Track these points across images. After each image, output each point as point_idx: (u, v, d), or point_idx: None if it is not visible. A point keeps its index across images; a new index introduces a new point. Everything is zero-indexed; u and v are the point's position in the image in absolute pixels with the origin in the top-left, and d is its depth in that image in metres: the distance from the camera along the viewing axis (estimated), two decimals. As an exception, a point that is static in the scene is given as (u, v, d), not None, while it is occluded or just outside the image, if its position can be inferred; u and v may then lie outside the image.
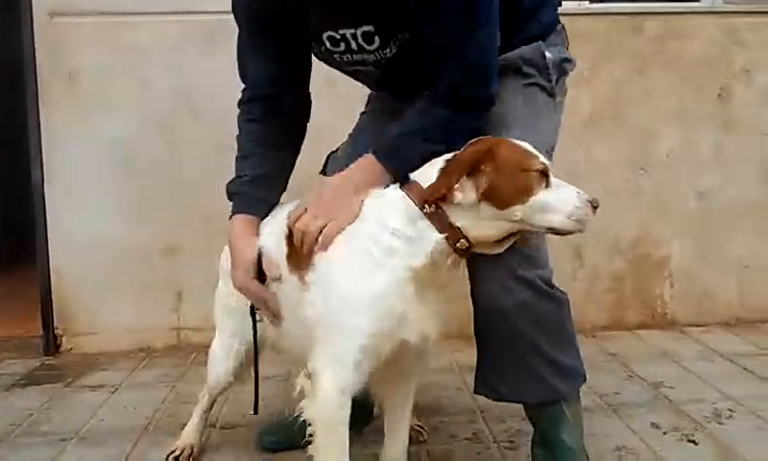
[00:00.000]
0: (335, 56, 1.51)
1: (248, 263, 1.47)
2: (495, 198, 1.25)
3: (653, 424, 1.98)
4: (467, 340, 2.76)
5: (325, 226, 1.32)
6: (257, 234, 1.51)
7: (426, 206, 1.27)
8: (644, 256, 3.01)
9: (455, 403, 2.18)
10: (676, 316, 3.02)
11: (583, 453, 1.55)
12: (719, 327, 2.96)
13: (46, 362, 2.79)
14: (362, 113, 1.85)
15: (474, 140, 1.31)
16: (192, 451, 1.80)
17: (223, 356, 1.71)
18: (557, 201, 1.25)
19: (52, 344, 2.87)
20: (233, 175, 1.60)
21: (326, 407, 1.26)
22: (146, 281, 2.89)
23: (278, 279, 1.44)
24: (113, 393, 2.40)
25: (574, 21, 2.72)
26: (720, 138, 2.98)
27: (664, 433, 1.92)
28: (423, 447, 1.87)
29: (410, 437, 1.79)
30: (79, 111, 2.82)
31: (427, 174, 1.30)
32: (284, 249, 1.43)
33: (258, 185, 1.56)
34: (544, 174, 1.26)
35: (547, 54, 1.53)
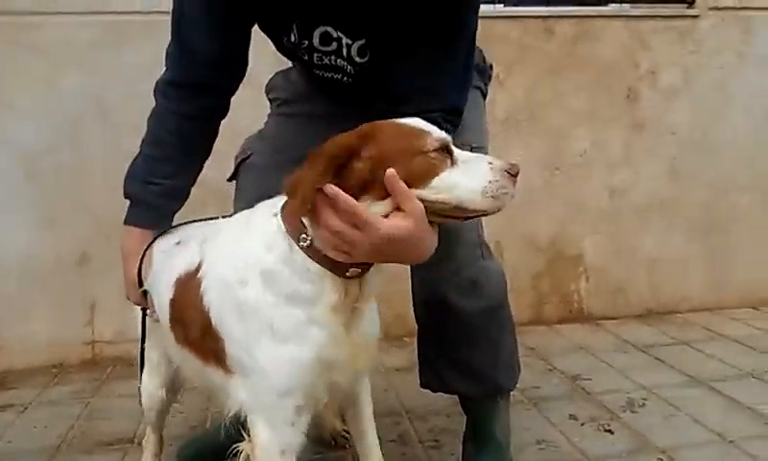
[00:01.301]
0: (316, 54, 1.40)
1: (136, 283, 1.41)
2: (378, 191, 1.05)
3: (571, 415, 2.04)
4: (392, 341, 2.80)
5: None
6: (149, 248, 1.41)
7: (302, 238, 1.08)
8: (561, 253, 3.10)
9: (381, 405, 2.16)
10: (592, 310, 3.13)
11: (509, 449, 1.59)
12: (632, 319, 3.09)
13: (-52, 383, 2.62)
14: (279, 114, 1.73)
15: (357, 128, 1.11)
16: None
17: (148, 372, 1.56)
18: (467, 177, 1.07)
19: (-47, 363, 2.70)
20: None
21: None
22: (57, 293, 2.75)
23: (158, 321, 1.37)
24: (22, 412, 2.27)
25: (489, 24, 2.79)
26: (630, 138, 3.11)
27: (582, 424, 1.98)
28: (349, 451, 1.86)
29: (335, 443, 1.80)
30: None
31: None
32: (170, 294, 1.29)
33: (171, 198, 1.44)
34: (446, 150, 1.08)
35: (486, 57, 1.60)
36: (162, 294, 1.31)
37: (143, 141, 1.47)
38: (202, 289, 1.17)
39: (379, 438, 1.89)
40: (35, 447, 1.98)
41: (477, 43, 1.40)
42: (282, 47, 1.46)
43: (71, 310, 2.76)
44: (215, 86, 1.44)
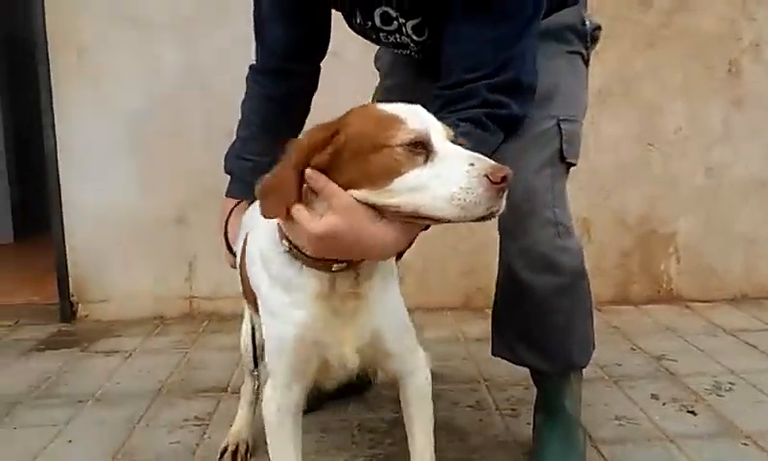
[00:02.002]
0: (381, 33, 1.45)
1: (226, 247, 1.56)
2: (342, 180, 1.00)
3: (653, 395, 2.01)
4: (472, 312, 2.84)
5: None
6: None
7: (284, 241, 1.09)
8: (651, 232, 3.02)
9: (459, 372, 2.23)
10: (681, 292, 3.04)
11: (579, 422, 1.60)
12: (724, 302, 2.98)
13: (62, 328, 2.87)
14: (381, 88, 1.81)
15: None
16: (247, 447, 1.69)
17: (245, 322, 1.66)
18: (436, 180, 0.95)
19: (68, 311, 2.95)
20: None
21: (268, 422, 1.23)
22: (158, 251, 2.95)
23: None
24: (128, 358, 2.47)
25: (584, -5, 2.72)
26: (729, 114, 2.97)
27: (664, 404, 1.95)
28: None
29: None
30: (89, 84, 2.87)
31: None
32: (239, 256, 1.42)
33: (261, 173, 1.53)
34: (420, 144, 0.97)
35: (586, 20, 1.53)
36: (238, 253, 1.45)
37: (238, 123, 1.63)
38: (247, 257, 1.29)
39: (456, 403, 1.97)
40: (139, 389, 2.16)
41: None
42: (354, 28, 1.52)
43: (171, 267, 2.96)
44: (293, 71, 1.58)
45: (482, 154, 0.99)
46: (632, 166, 2.97)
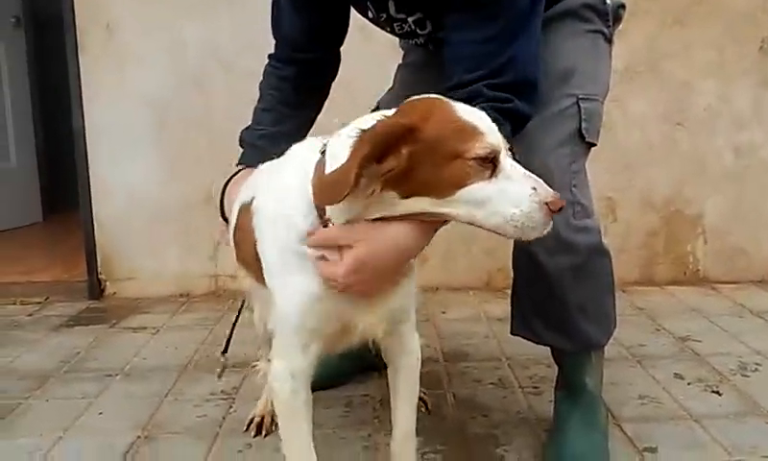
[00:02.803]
0: (396, 24, 1.47)
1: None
2: (405, 187, 1.00)
3: (677, 374, 2.00)
4: (495, 292, 2.84)
5: None
6: None
7: (321, 215, 1.07)
8: (678, 213, 2.99)
9: (481, 351, 2.23)
10: (708, 273, 3.01)
11: (601, 399, 1.60)
12: (751, 284, 2.94)
13: (91, 305, 2.93)
14: (399, 66, 1.85)
15: (405, 102, 1.05)
16: (273, 419, 1.70)
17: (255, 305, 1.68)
18: (499, 198, 0.99)
19: (96, 288, 3.01)
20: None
21: (280, 393, 1.19)
22: (185, 230, 2.98)
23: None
24: (155, 334, 2.51)
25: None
26: (760, 93, 2.92)
27: (688, 384, 1.94)
28: (449, 389, 1.94)
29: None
30: (116, 63, 2.90)
31: (340, 147, 1.03)
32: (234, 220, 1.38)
33: (273, 142, 1.51)
34: (490, 160, 0.98)
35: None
36: (231, 221, 1.42)
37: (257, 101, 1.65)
38: (254, 221, 1.23)
39: (478, 381, 1.98)
40: (166, 364, 2.20)
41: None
42: (370, 21, 1.54)
43: (197, 246, 2.99)
44: (311, 59, 1.59)
45: None
46: (659, 145, 2.93)
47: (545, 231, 1.01)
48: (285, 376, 1.18)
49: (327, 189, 1.01)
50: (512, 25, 1.22)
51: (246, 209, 1.29)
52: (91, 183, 2.96)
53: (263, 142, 1.54)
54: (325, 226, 1.07)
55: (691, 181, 2.97)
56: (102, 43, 2.88)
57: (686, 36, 2.87)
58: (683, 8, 2.85)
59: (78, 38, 2.88)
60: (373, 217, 1.05)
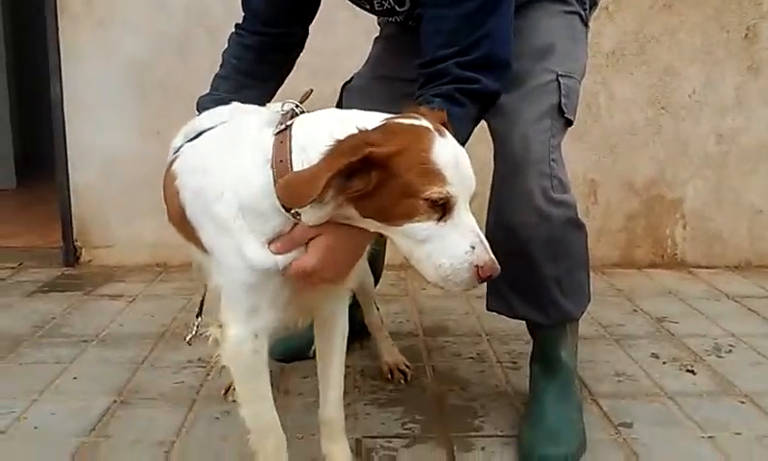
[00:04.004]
0: (375, 1, 1.48)
1: None
2: (364, 208, 1.02)
3: (653, 354, 2.02)
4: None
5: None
6: None
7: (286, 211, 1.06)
8: (658, 196, 3.00)
9: (461, 326, 2.24)
10: (686, 257, 3.04)
11: (576, 373, 1.61)
12: (728, 269, 2.97)
13: (66, 272, 2.88)
14: (375, 39, 1.85)
15: (391, 121, 1.05)
16: None
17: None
18: (436, 243, 1.00)
19: (72, 255, 2.96)
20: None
21: (239, 354, 1.17)
22: (162, 199, 2.93)
23: None
24: (131, 302, 2.48)
25: (602, -50, 2.67)
26: (744, 80, 2.93)
27: (664, 363, 1.96)
28: (428, 363, 1.94)
29: (392, 376, 1.81)
30: (96, 27, 2.84)
31: (313, 148, 1.02)
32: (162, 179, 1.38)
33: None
34: (442, 206, 0.99)
35: None
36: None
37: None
38: (177, 183, 1.23)
39: (457, 355, 1.99)
40: (143, 331, 2.17)
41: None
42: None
43: (176, 215, 2.95)
44: (278, 33, 1.57)
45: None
46: (642, 129, 2.94)
47: (467, 290, 1.03)
48: (246, 337, 1.15)
49: (294, 190, 1.01)
50: (488, 4, 1.23)
51: (170, 166, 1.31)
52: (68, 148, 2.90)
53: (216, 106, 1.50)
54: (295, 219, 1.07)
55: (673, 166, 2.98)
56: (83, 4, 2.81)
57: (674, 21, 2.87)
58: (671, -8, 2.86)
59: (57, 2, 2.80)
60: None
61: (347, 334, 1.34)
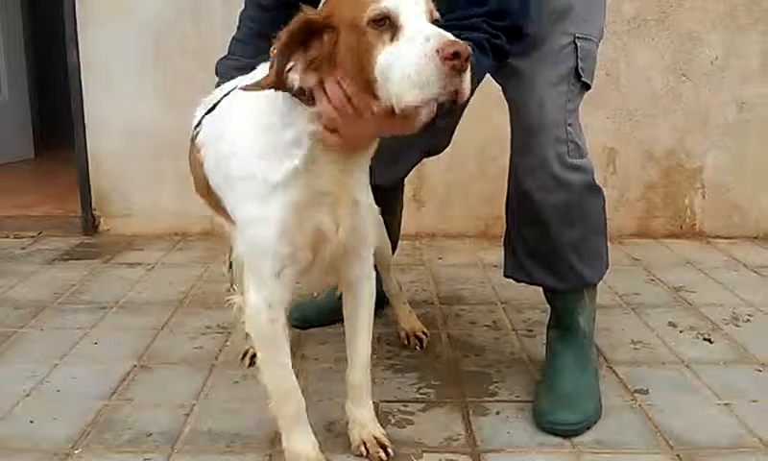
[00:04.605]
0: None
1: None
2: (339, 76, 1.02)
3: (670, 322, 2.01)
4: (491, 240, 2.83)
5: None
6: None
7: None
8: (678, 166, 2.97)
9: (477, 295, 2.24)
10: (704, 227, 3.00)
11: (593, 339, 1.61)
12: (747, 240, 2.94)
13: (85, 241, 2.91)
14: None
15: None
16: None
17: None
18: (400, 63, 0.95)
19: (90, 224, 2.99)
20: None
21: (257, 323, 1.21)
22: (181, 167, 2.93)
23: None
24: (150, 270, 2.51)
25: None
26: (768, 47, 2.87)
27: (681, 332, 1.96)
28: (444, 330, 1.94)
29: (408, 342, 1.83)
30: (114, -7, 2.82)
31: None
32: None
33: (245, 73, 1.46)
34: (386, 20, 0.97)
35: None
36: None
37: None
38: (199, 155, 1.29)
39: (473, 323, 1.99)
40: (162, 299, 2.20)
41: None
42: None
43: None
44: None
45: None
46: (663, 97, 2.90)
47: (452, 89, 0.95)
48: (262, 306, 1.18)
49: (268, 75, 1.04)
50: None
51: (193, 140, 1.36)
52: (86, 117, 2.92)
53: (236, 73, 1.47)
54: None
55: (693, 135, 2.94)
56: (97, -29, 2.80)
57: (696, -14, 2.81)
58: (694, -45, 2.79)
59: (72, -33, 2.80)
60: None
61: (374, 300, 1.34)
